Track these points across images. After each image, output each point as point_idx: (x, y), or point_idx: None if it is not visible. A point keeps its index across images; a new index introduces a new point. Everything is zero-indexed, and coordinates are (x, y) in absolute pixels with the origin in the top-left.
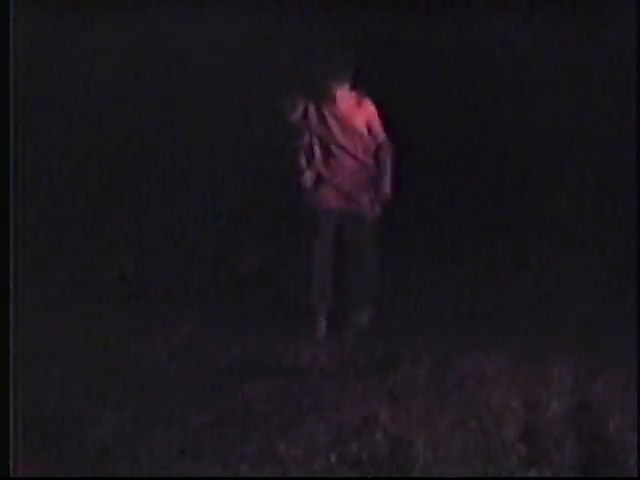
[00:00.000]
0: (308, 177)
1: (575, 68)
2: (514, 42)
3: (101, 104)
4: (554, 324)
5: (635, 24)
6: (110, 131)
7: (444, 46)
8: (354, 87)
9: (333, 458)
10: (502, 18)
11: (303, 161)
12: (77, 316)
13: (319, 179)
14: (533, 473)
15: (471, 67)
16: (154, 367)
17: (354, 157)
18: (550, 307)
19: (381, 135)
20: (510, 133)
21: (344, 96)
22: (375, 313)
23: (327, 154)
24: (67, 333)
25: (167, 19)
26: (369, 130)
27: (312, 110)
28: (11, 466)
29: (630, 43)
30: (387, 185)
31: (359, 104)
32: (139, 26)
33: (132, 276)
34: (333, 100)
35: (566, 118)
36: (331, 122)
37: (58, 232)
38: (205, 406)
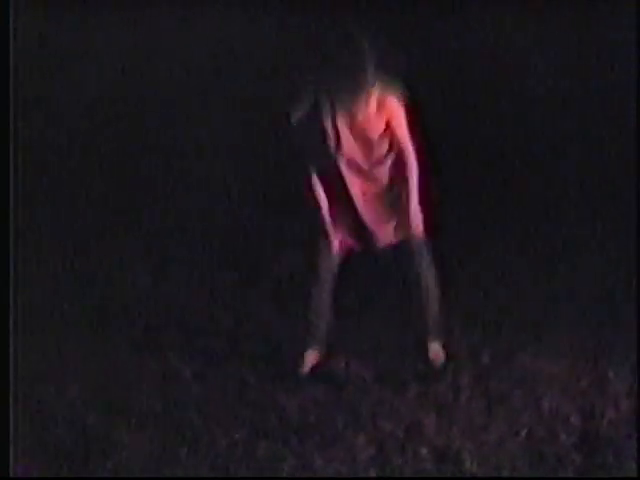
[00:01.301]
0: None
1: (575, 68)
2: (514, 42)
3: (101, 104)
4: (609, 323)
5: (635, 24)
6: (110, 131)
7: (443, 46)
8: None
9: (374, 474)
10: (502, 18)
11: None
12: (86, 330)
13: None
14: None
15: (471, 67)
16: (177, 385)
17: (367, 178)
18: (604, 306)
19: (404, 138)
20: (509, 133)
21: (364, 102)
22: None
23: (333, 187)
24: (76, 347)
25: (167, 19)
26: (388, 130)
27: (327, 119)
28: (11, 466)
29: (630, 43)
30: (415, 210)
31: (381, 104)
32: (139, 26)
33: (149, 289)
34: (352, 108)
35: (566, 118)
36: (344, 135)
37: (58, 232)
38: (235, 423)
